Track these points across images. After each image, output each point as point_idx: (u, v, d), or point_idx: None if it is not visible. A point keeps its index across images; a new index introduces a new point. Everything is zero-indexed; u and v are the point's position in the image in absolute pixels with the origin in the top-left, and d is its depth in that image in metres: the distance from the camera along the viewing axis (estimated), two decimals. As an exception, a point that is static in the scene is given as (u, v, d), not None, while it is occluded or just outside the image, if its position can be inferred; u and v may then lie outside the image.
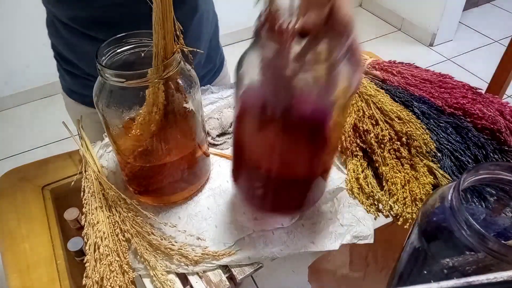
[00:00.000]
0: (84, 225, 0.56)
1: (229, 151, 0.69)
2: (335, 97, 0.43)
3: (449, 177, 0.61)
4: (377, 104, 0.67)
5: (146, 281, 0.54)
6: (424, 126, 0.64)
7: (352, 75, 0.43)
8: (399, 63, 0.79)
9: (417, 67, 0.78)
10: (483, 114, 0.65)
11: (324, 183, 0.56)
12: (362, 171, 0.64)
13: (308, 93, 0.42)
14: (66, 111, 0.85)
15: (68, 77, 0.78)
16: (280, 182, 0.52)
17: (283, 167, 0.50)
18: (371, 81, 0.74)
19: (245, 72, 0.44)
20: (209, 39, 0.84)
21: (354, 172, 0.64)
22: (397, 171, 0.62)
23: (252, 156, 0.51)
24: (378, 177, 0.63)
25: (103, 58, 0.51)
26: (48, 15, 0.73)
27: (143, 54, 0.53)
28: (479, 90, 0.71)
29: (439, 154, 0.63)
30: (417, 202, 0.59)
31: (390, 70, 0.77)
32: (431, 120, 0.66)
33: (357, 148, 0.65)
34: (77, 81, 0.77)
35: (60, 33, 0.72)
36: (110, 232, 0.55)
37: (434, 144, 0.63)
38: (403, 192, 0.59)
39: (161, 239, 0.56)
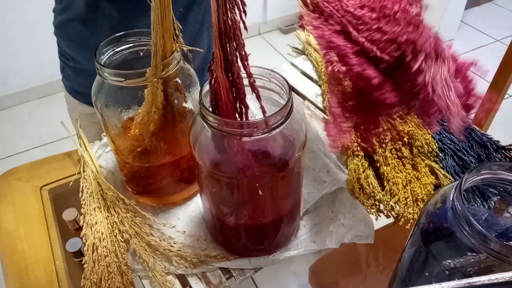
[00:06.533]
0: (83, 225, 0.56)
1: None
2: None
3: (451, 177, 0.60)
4: (378, 103, 0.66)
5: (145, 282, 0.53)
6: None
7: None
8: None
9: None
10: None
11: (294, 220, 0.56)
12: (363, 171, 0.63)
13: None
14: (64, 111, 0.86)
15: (73, 75, 0.79)
16: (248, 227, 0.53)
17: (248, 215, 0.52)
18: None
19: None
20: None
21: (355, 172, 0.63)
22: (399, 171, 0.61)
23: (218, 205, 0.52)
24: (379, 177, 0.63)
25: (102, 57, 0.51)
26: (60, 12, 0.72)
27: (141, 53, 0.53)
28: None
29: (441, 154, 0.62)
30: (419, 203, 0.58)
31: (391, 69, 0.76)
32: (433, 120, 0.65)
33: (358, 148, 0.65)
34: (82, 80, 0.78)
35: (71, 28, 0.72)
36: (109, 233, 0.55)
37: (436, 144, 0.62)
38: (404, 193, 0.59)
39: (160, 240, 0.55)
